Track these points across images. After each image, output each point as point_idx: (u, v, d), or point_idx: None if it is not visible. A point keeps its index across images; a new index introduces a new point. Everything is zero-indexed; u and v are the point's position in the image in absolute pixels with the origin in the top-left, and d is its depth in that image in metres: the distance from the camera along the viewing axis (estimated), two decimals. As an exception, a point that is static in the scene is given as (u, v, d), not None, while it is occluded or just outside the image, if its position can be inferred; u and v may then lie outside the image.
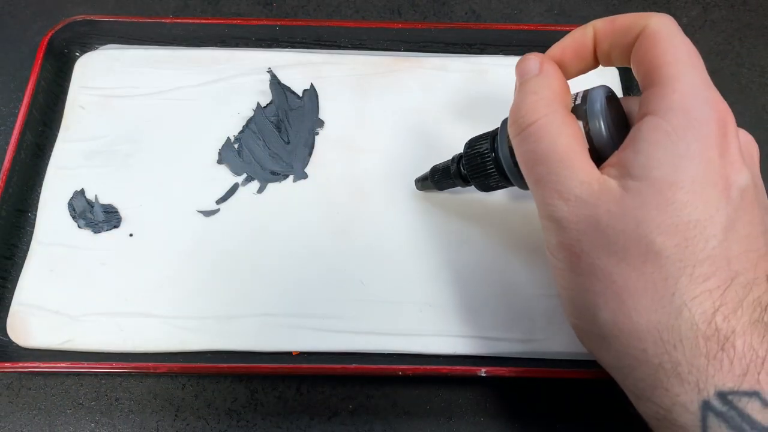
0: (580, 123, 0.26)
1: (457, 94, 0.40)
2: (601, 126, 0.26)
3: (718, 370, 0.22)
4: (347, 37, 0.42)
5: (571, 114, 0.26)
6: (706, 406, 0.22)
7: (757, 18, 0.46)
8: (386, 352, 0.33)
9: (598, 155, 0.26)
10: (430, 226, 0.36)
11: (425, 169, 0.36)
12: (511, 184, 0.30)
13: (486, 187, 0.32)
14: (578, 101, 0.27)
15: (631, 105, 0.28)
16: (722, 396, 0.22)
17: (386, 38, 0.42)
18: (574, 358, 0.33)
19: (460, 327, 0.33)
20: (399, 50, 0.42)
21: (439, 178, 0.34)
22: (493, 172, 0.30)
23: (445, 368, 0.32)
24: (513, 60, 0.41)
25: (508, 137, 0.28)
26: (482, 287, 0.34)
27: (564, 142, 0.25)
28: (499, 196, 0.37)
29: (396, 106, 0.39)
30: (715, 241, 0.23)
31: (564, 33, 0.41)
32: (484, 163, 0.30)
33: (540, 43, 0.41)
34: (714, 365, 0.22)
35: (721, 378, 0.22)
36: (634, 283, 0.23)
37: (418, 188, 0.37)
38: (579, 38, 0.28)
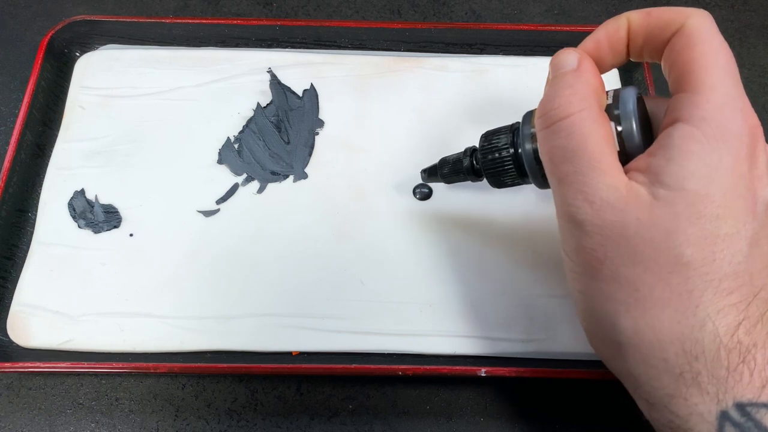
0: (612, 124, 0.25)
1: (457, 94, 0.40)
2: (633, 128, 0.25)
3: (738, 382, 0.22)
4: (347, 37, 0.42)
5: (605, 114, 0.25)
6: (723, 416, 0.22)
7: (757, 18, 0.46)
8: (386, 352, 0.33)
9: (625, 158, 0.25)
10: (430, 225, 0.36)
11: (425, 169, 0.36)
12: (528, 182, 0.30)
13: (500, 184, 0.31)
14: (609, 101, 0.26)
15: (652, 106, 0.27)
16: (740, 407, 0.22)
17: (386, 38, 0.42)
18: (574, 358, 0.33)
19: (460, 327, 0.33)
20: (399, 50, 0.42)
21: (448, 172, 0.33)
22: (511, 168, 0.29)
23: (445, 368, 0.32)
24: (513, 60, 0.41)
25: (532, 132, 0.27)
26: (482, 287, 0.34)
27: (595, 142, 0.24)
28: (501, 195, 0.37)
29: (396, 106, 0.39)
30: (741, 256, 0.22)
31: (564, 33, 0.41)
32: (502, 159, 0.29)
33: (540, 43, 0.41)
34: (734, 377, 0.22)
35: (741, 390, 0.22)
36: (659, 294, 0.23)
37: (423, 180, 0.36)
38: (613, 31, 0.27)
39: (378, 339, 0.33)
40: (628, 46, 0.27)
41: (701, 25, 0.24)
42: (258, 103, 0.39)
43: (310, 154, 0.38)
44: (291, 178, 0.37)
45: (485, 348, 0.33)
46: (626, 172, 0.24)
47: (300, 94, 0.40)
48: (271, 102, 0.39)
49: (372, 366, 0.32)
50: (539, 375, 0.32)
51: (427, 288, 0.34)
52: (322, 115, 0.39)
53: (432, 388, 0.34)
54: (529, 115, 0.28)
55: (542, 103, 0.26)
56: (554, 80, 0.26)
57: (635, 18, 0.27)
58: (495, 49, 0.42)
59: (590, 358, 0.33)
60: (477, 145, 0.32)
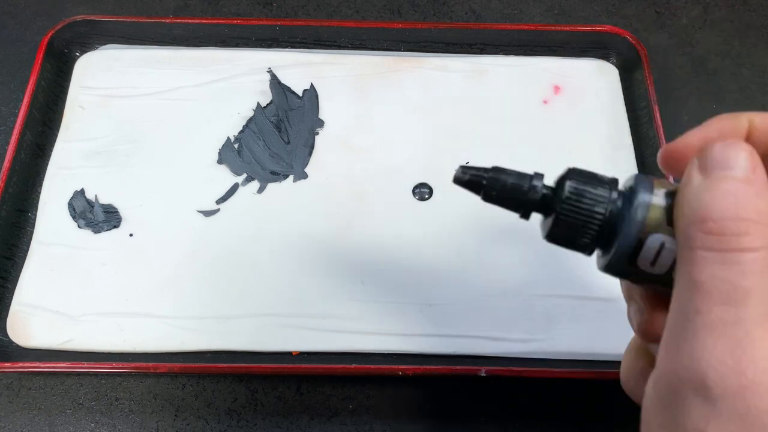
0: None
1: (457, 94, 0.40)
2: None
3: None
4: (347, 37, 0.42)
5: None
6: None
7: (757, 18, 0.46)
8: (386, 352, 0.33)
9: None
10: (430, 225, 0.36)
11: (425, 169, 0.36)
12: (590, 253, 0.23)
13: (562, 241, 0.23)
14: None
15: None
16: None
17: (386, 38, 0.42)
18: (574, 358, 0.33)
19: (460, 327, 0.33)
20: (399, 50, 0.42)
21: (500, 194, 0.23)
22: (596, 229, 0.22)
23: (445, 368, 0.32)
24: (513, 60, 0.41)
25: (650, 206, 0.21)
26: (482, 287, 0.34)
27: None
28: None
29: (396, 106, 0.39)
30: None
31: (564, 33, 0.41)
32: (590, 218, 0.22)
33: (540, 43, 0.41)
34: None
35: None
36: None
37: (458, 178, 0.24)
38: (728, 130, 0.22)
39: (378, 339, 0.33)
40: None
41: None
42: (258, 103, 0.39)
43: (310, 154, 0.38)
44: (291, 178, 0.37)
45: (485, 348, 0.33)
46: None
47: (300, 94, 0.40)
48: (271, 102, 0.39)
49: (372, 366, 0.32)
50: (539, 375, 0.32)
51: (427, 288, 0.34)
52: (322, 115, 0.39)
53: (432, 388, 0.34)
54: (645, 183, 0.21)
55: (716, 214, 0.19)
56: (725, 184, 0.19)
57: (759, 122, 0.21)
58: (495, 49, 0.42)
59: (590, 358, 0.33)
60: (542, 176, 0.24)
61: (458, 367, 0.32)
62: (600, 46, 0.42)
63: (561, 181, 0.23)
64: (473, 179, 0.24)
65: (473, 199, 0.36)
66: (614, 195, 0.22)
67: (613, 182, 0.22)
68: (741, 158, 0.19)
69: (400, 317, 0.34)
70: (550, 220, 0.23)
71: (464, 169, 0.24)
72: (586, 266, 0.35)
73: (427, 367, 0.32)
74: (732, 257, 0.18)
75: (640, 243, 0.21)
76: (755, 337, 0.17)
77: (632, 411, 0.26)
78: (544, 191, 0.23)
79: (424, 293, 0.34)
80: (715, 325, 0.18)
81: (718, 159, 0.19)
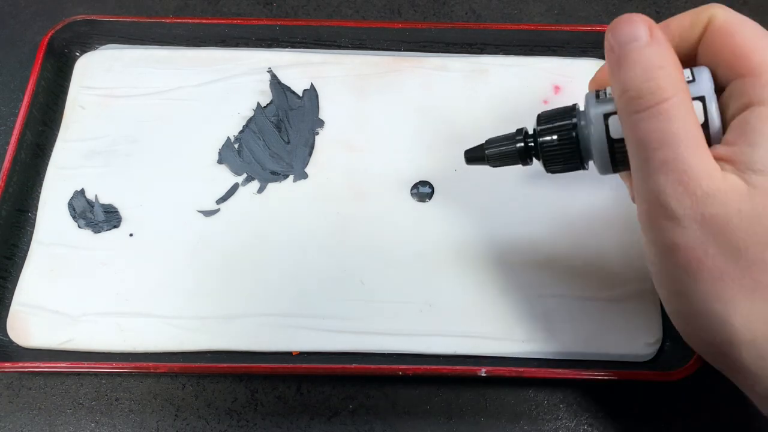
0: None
1: (457, 93, 0.40)
2: (715, 112, 0.24)
3: None
4: (347, 37, 0.41)
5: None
6: None
7: (756, 18, 0.46)
8: (386, 352, 0.33)
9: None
10: (430, 225, 0.36)
11: (425, 169, 0.36)
12: (585, 168, 0.29)
13: (559, 169, 0.29)
14: (689, 79, 0.24)
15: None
16: None
17: (386, 38, 0.41)
18: (574, 358, 0.33)
19: (460, 327, 0.33)
20: (399, 50, 0.42)
21: (497, 154, 0.31)
22: (576, 150, 0.28)
23: (445, 368, 0.32)
24: (513, 60, 0.41)
25: (604, 114, 0.26)
26: (482, 287, 0.34)
27: (694, 127, 0.22)
28: (499, 194, 0.37)
29: (396, 106, 0.39)
30: None
31: (564, 33, 0.41)
32: (566, 140, 0.28)
33: (540, 43, 0.41)
34: None
35: None
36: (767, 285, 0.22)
37: (467, 162, 0.33)
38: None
39: (378, 339, 0.33)
40: None
41: (729, 14, 0.25)
42: (258, 103, 0.39)
43: (310, 154, 0.38)
44: (291, 178, 0.37)
45: (485, 348, 0.33)
46: None
47: (300, 94, 0.40)
48: (271, 102, 0.39)
49: (372, 366, 0.32)
50: (539, 375, 0.32)
51: (427, 288, 0.34)
52: (322, 115, 0.39)
53: (432, 388, 0.34)
54: (591, 97, 0.27)
55: (631, 83, 0.23)
56: (632, 55, 0.23)
57: (675, 26, 0.26)
58: (495, 49, 0.42)
59: (590, 357, 0.33)
60: (528, 128, 0.31)
61: (458, 367, 0.32)
62: (600, 46, 0.41)
63: (536, 127, 0.29)
64: (475, 152, 0.32)
65: (473, 199, 0.37)
66: (573, 119, 0.28)
67: (573, 108, 0.28)
68: (638, 28, 0.24)
69: (400, 317, 0.34)
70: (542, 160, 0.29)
71: (466, 150, 0.33)
72: (586, 266, 0.35)
73: (427, 367, 0.32)
74: (654, 111, 0.23)
75: (606, 127, 0.26)
76: (692, 164, 0.22)
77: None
78: (527, 142, 0.30)
79: (424, 293, 0.34)
80: (659, 167, 0.22)
81: (622, 35, 0.24)
